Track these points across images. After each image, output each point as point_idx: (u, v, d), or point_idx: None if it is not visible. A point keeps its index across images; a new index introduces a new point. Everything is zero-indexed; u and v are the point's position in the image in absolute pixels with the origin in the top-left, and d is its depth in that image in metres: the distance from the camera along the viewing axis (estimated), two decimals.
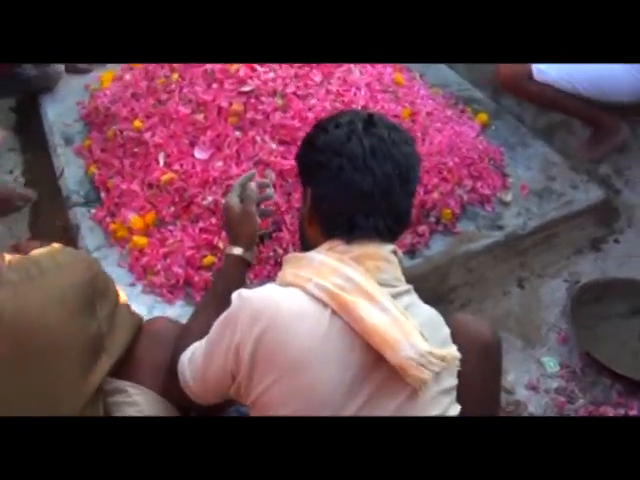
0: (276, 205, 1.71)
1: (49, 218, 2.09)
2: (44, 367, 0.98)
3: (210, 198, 1.74)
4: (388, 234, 1.04)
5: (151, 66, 2.13)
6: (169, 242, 1.73)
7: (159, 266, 1.69)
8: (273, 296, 0.97)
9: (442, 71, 2.64)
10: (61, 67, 2.39)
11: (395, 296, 0.99)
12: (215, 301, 1.17)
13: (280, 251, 1.70)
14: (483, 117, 2.33)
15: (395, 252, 1.05)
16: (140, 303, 1.64)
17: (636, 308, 1.85)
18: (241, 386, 0.98)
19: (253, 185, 1.31)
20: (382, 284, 0.98)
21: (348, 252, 1.00)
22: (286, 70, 1.84)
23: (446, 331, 1.05)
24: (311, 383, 0.92)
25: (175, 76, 1.96)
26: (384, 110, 1.89)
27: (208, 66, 1.88)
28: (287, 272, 1.03)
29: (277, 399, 0.94)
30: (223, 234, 1.70)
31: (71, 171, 2.07)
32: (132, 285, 1.70)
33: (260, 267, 1.70)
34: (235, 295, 0.99)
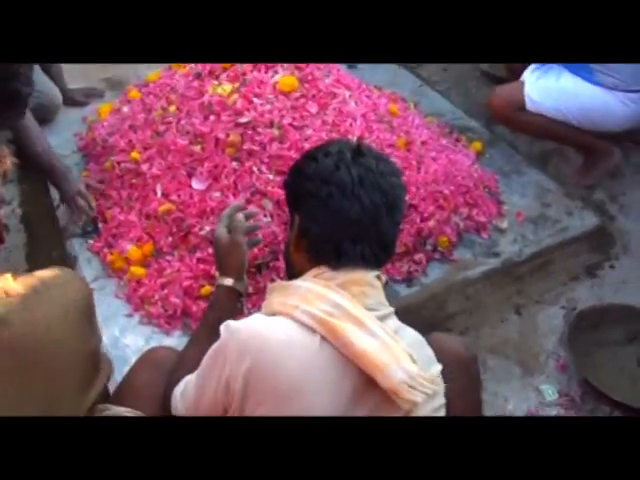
0: (273, 234, 1.72)
1: (46, 249, 2.09)
2: (48, 380, 0.98)
3: (208, 228, 1.75)
4: (374, 261, 1.05)
5: (148, 98, 2.16)
6: (167, 272, 1.73)
7: (157, 296, 1.69)
8: (260, 326, 0.97)
9: (436, 100, 2.68)
10: (59, 99, 2.41)
11: (382, 319, 1.00)
12: (207, 333, 1.18)
13: (278, 280, 1.70)
14: (477, 145, 2.35)
15: (379, 277, 1.06)
16: (138, 334, 1.64)
17: (633, 334, 1.86)
18: (234, 417, 0.97)
19: (240, 215, 1.34)
20: (368, 309, 1.00)
21: (334, 279, 1.02)
22: (282, 101, 1.86)
23: (429, 351, 1.07)
24: (305, 411, 0.92)
25: (172, 108, 1.98)
26: (379, 140, 1.91)
27: (205, 98, 1.90)
28: (273, 301, 1.04)
29: None
30: None
31: None
32: (129, 316, 1.70)
33: (258, 296, 1.70)
34: (223, 327, 0.99)
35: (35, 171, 2.00)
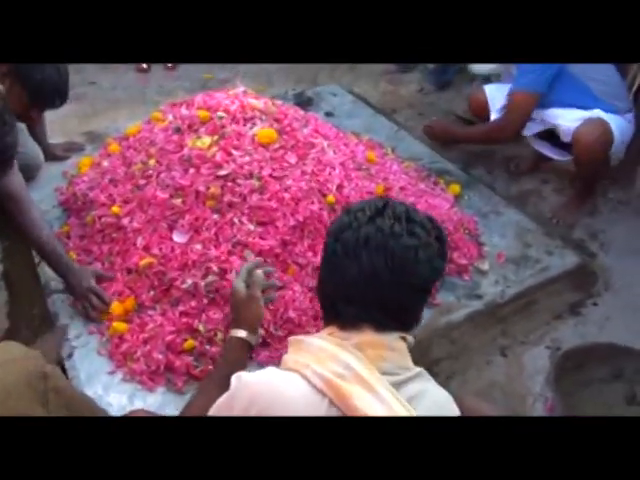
0: None
1: (28, 306, 2.07)
2: None
3: (190, 281, 1.74)
4: (380, 325, 1.01)
5: (128, 152, 2.17)
6: (149, 327, 1.71)
7: (139, 352, 1.67)
8: (271, 381, 0.97)
9: (413, 145, 2.73)
10: (42, 159, 2.41)
11: (398, 385, 0.96)
12: (217, 383, 1.19)
13: (261, 332, 1.69)
14: (456, 188, 2.39)
15: (404, 338, 1.03)
16: (120, 392, 1.62)
17: (618, 372, 1.86)
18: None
19: (260, 272, 1.39)
20: (384, 373, 0.97)
21: (348, 339, 1.00)
22: (262, 153, 1.88)
23: (455, 415, 1.02)
24: None
25: (152, 161, 1.99)
26: (358, 187, 1.94)
27: (185, 151, 1.92)
28: (288, 357, 1.03)
29: None
30: (203, 317, 1.70)
31: None
32: (112, 373, 1.67)
33: None
34: (235, 377, 1.00)
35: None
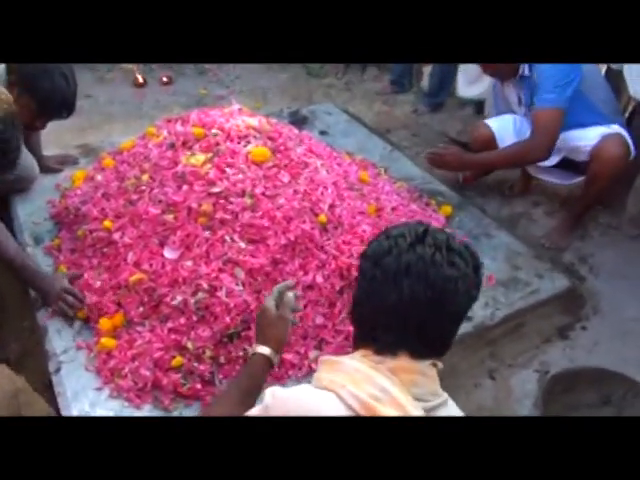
0: (245, 303, 1.72)
1: (18, 321, 2.06)
2: None
3: (179, 298, 1.74)
4: (416, 352, 1.01)
5: (122, 166, 2.18)
6: (137, 343, 1.71)
7: (127, 369, 1.67)
8: (307, 398, 0.98)
9: (406, 165, 2.74)
10: (36, 171, 2.42)
11: (429, 411, 0.97)
12: (235, 395, 1.24)
13: (250, 350, 1.68)
14: (447, 209, 2.40)
15: (435, 364, 1.03)
16: (107, 409, 1.60)
17: (606, 397, 1.86)
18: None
19: (291, 294, 1.40)
20: (417, 399, 0.97)
21: (383, 362, 1.00)
22: (255, 171, 1.89)
23: None
24: None
25: (145, 177, 1.99)
26: (350, 207, 1.94)
27: (179, 168, 1.92)
28: (322, 376, 1.02)
29: None
30: (192, 334, 1.69)
31: None
32: (99, 389, 1.66)
33: (230, 366, 1.69)
34: (269, 392, 1.01)
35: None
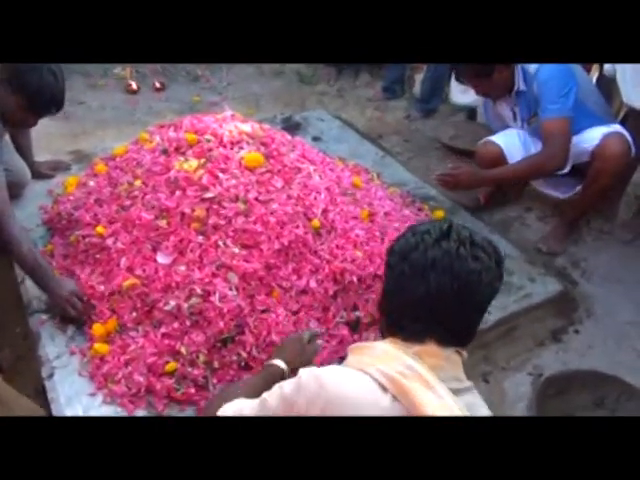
0: (239, 308, 1.71)
1: (11, 326, 2.05)
2: None
3: (172, 303, 1.73)
4: (442, 340, 1.07)
5: (115, 172, 2.17)
6: (131, 349, 1.70)
7: (120, 374, 1.66)
8: (340, 374, 1.03)
9: (398, 170, 2.76)
10: (28, 176, 2.41)
11: (455, 393, 1.01)
12: (260, 387, 1.25)
13: (244, 354, 1.69)
14: (440, 214, 2.41)
15: (459, 352, 1.08)
16: (101, 414, 1.60)
17: (600, 399, 1.87)
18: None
19: (320, 342, 1.61)
20: (442, 380, 1.02)
21: (410, 347, 1.06)
22: (248, 176, 1.89)
23: None
24: None
25: (138, 182, 1.99)
26: (343, 212, 1.95)
27: (172, 174, 1.92)
28: (350, 360, 1.09)
29: None
30: (186, 339, 1.69)
31: None
32: (92, 395, 1.65)
33: (223, 371, 1.68)
34: (303, 370, 1.05)
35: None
